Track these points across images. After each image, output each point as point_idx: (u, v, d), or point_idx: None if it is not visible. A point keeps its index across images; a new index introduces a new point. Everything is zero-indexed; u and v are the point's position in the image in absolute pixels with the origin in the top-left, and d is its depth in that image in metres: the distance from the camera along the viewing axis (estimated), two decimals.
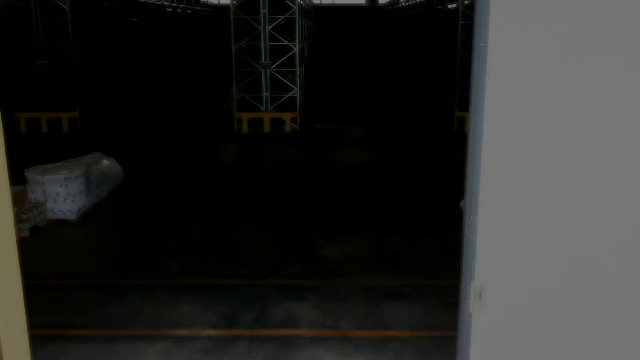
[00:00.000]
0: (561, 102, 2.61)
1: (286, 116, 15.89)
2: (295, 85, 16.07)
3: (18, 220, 7.93)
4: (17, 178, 8.74)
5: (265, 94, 15.86)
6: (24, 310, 2.25)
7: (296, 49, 15.94)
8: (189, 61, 24.84)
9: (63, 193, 8.65)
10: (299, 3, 16.22)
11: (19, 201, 8.18)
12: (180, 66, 23.70)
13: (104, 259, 7.41)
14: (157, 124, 17.26)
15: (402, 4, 28.65)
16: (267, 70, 15.68)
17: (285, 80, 16.03)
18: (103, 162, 10.06)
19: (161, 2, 22.30)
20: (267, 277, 6.81)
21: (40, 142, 14.50)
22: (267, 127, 15.83)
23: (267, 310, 6.00)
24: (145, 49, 20.57)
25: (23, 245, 7.75)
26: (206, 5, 32.11)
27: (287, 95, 16.00)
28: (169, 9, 23.63)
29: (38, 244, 7.88)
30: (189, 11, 26.37)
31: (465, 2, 15.62)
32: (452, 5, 18.12)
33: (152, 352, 5.21)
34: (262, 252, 7.53)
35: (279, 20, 15.72)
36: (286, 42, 15.85)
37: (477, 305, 3.24)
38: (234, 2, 15.48)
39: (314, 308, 6.03)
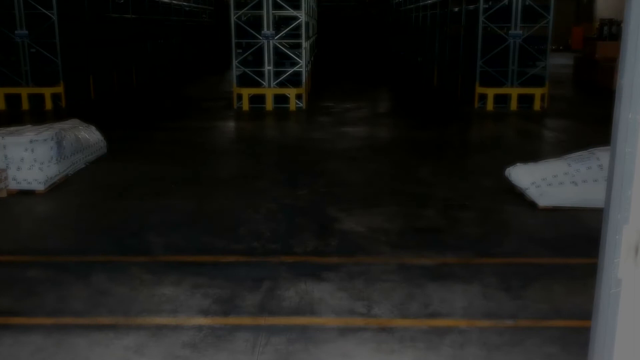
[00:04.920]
0: None
1: (291, 92, 14.41)
2: (301, 59, 14.59)
3: None
4: None
5: (267, 67, 14.38)
6: None
7: (302, 19, 14.47)
8: (189, 44, 23.45)
9: (28, 159, 7.19)
10: None
11: None
12: (182, 47, 22.30)
13: (71, 234, 5.97)
14: (148, 101, 15.84)
15: None
16: (270, 41, 14.21)
17: (290, 53, 14.54)
18: (80, 129, 8.62)
19: None
20: (275, 253, 5.36)
21: (19, 119, 13.02)
22: (269, 105, 14.36)
23: (275, 293, 4.55)
24: (142, 30, 19.18)
25: None
26: None
27: (292, 70, 14.51)
28: None
29: None
30: None
31: None
32: None
33: (117, 347, 3.76)
34: (267, 226, 6.08)
35: None
36: (291, 11, 14.38)
37: (631, 265, 2.03)
38: None
39: (337, 291, 4.59)
